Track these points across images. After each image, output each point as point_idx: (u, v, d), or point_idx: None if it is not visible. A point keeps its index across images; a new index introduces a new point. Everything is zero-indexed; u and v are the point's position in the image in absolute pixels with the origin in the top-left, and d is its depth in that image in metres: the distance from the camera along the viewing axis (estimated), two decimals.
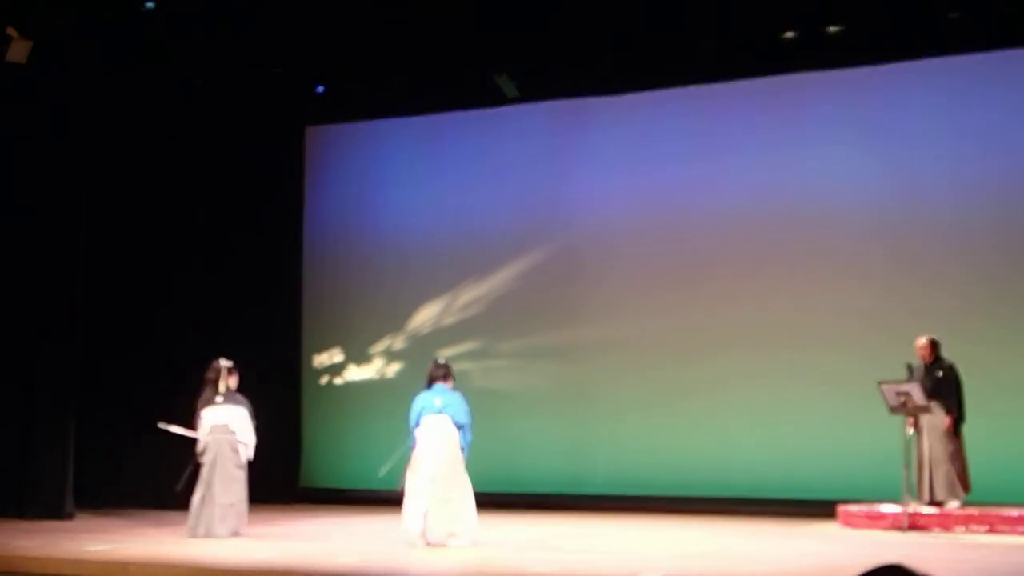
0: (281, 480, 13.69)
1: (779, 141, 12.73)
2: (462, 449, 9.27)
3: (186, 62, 13.00)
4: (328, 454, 14.23)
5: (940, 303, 11.85)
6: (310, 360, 14.51)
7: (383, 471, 9.87)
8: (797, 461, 12.25)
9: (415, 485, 9.20)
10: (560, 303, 13.48)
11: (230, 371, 10.19)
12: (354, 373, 14.38)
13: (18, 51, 11.39)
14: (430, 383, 9.47)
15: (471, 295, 13.88)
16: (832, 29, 12.04)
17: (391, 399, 13.94)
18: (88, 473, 12.31)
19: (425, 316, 14.07)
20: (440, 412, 9.27)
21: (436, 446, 9.21)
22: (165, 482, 12.94)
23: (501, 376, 13.53)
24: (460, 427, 9.26)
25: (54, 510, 11.58)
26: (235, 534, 9.92)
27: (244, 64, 13.17)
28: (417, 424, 9.29)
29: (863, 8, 11.72)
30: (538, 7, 11.81)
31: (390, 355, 14.23)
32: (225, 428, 10.00)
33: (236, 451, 10.03)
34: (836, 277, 12.37)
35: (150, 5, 11.57)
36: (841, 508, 10.90)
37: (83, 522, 11.41)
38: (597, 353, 13.18)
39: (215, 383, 10.10)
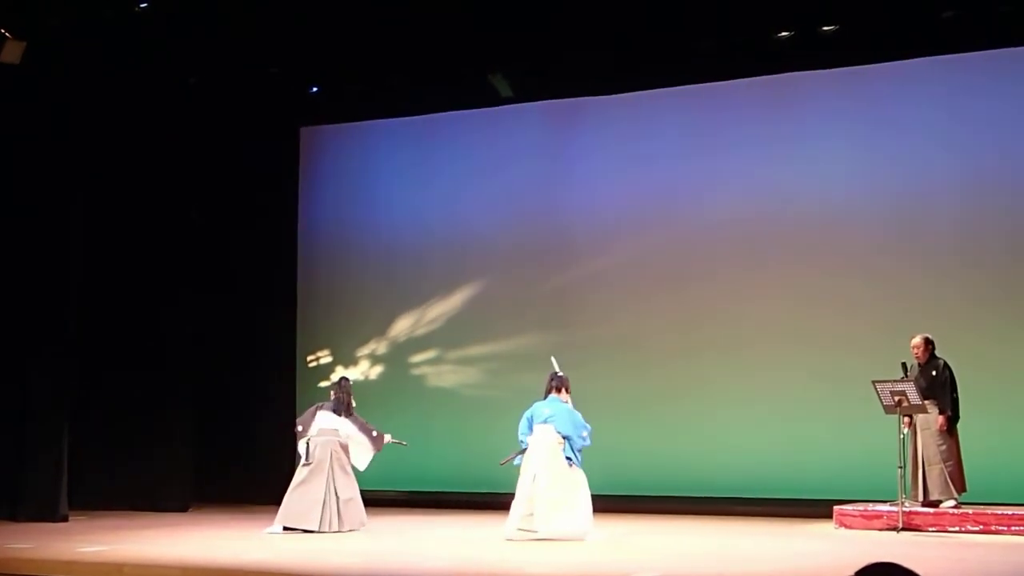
0: (276, 479, 13.63)
1: (776, 140, 12.70)
2: (568, 458, 9.80)
3: (183, 62, 12.98)
4: None
5: (937, 302, 11.81)
6: (304, 360, 14.48)
7: (502, 463, 10.32)
8: (792, 461, 12.22)
9: (518, 487, 9.85)
10: (556, 303, 13.45)
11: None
12: (349, 373, 14.33)
13: (12, 52, 11.38)
14: (546, 393, 10.19)
15: (465, 296, 13.85)
16: (827, 28, 12.04)
17: (389, 399, 13.94)
18: (83, 475, 12.29)
19: (421, 315, 14.04)
20: (545, 422, 9.90)
21: (539, 453, 9.87)
22: (160, 483, 13.01)
23: (497, 377, 13.51)
24: (565, 437, 9.84)
25: (48, 512, 11.57)
26: (361, 524, 10.63)
27: (240, 64, 13.15)
28: (530, 431, 9.97)
29: (858, 8, 11.73)
30: (535, 7, 11.79)
31: (375, 358, 14.19)
32: (334, 432, 10.79)
33: (347, 451, 10.82)
34: (833, 276, 12.33)
35: (144, 5, 11.54)
36: (836, 508, 10.88)
37: (77, 524, 11.40)
38: (593, 352, 13.13)
39: (339, 399, 10.98)
